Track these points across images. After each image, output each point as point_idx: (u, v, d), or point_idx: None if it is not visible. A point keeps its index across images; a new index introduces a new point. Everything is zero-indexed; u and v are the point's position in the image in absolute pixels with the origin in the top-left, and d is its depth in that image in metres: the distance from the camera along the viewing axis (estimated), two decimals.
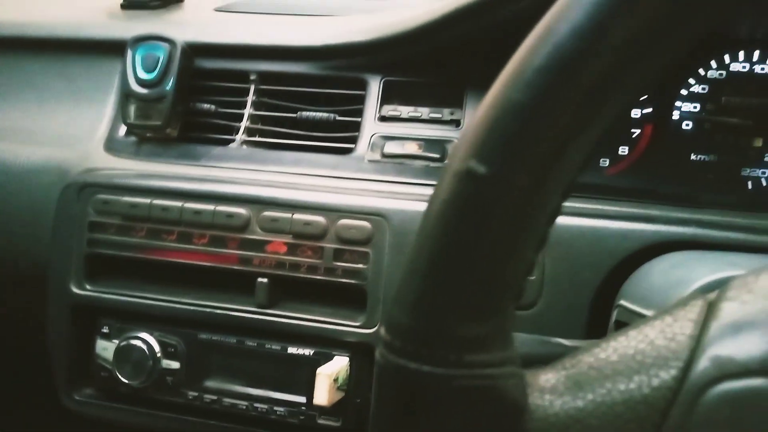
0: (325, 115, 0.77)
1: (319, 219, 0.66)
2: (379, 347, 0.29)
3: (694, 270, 0.49)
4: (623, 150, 0.74)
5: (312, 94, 0.78)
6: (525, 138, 0.25)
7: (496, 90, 0.27)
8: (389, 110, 0.76)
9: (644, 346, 0.29)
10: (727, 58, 0.73)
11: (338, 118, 0.77)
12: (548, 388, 0.29)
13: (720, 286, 0.30)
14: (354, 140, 0.75)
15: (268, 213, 0.67)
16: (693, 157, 0.73)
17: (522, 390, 0.28)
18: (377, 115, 0.76)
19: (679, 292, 0.47)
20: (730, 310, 0.28)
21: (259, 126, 0.79)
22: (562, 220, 0.62)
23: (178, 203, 0.68)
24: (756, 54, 0.72)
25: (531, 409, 0.28)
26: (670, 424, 0.27)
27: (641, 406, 0.27)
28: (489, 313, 0.27)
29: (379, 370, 0.28)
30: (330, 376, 0.59)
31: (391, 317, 0.28)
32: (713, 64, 0.73)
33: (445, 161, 0.71)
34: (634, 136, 0.74)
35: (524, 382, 0.29)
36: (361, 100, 0.77)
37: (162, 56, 0.76)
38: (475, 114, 0.27)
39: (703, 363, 0.27)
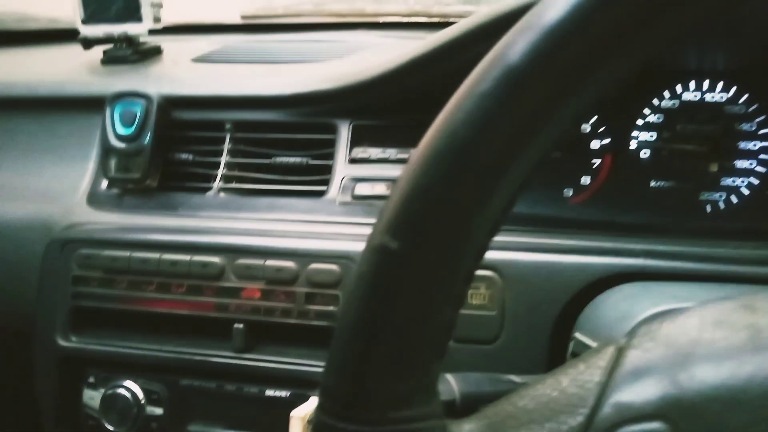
0: (299, 159, 0.80)
1: (291, 265, 0.68)
2: (315, 408, 0.31)
3: (639, 303, 0.51)
4: (585, 180, 0.77)
5: (285, 140, 0.82)
6: (429, 216, 0.28)
7: (406, 171, 0.29)
8: (359, 152, 0.79)
9: (557, 394, 0.31)
10: (679, 88, 0.76)
11: (311, 162, 0.80)
12: None
13: (660, 318, 0.32)
14: (326, 183, 0.78)
15: (241, 261, 0.69)
16: (653, 183, 0.76)
17: None
18: (347, 158, 0.79)
19: (624, 326, 0.50)
20: (633, 357, 0.31)
21: (236, 173, 0.82)
22: (521, 256, 0.65)
23: (156, 255, 0.71)
24: (705, 83, 0.75)
25: None
26: None
27: None
28: (410, 373, 0.30)
29: (314, 429, 0.31)
30: (303, 418, 0.61)
31: (323, 380, 0.31)
32: (666, 94, 0.76)
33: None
34: (594, 166, 0.77)
35: None
36: (332, 144, 0.80)
37: (139, 111, 0.80)
38: (391, 191, 0.30)
39: (606, 409, 0.29)
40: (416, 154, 0.29)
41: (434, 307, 0.30)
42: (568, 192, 0.77)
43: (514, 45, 0.27)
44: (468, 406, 0.45)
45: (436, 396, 0.32)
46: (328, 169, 0.79)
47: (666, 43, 0.28)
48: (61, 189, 0.82)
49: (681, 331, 0.31)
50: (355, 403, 0.29)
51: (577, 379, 0.31)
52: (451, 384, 0.45)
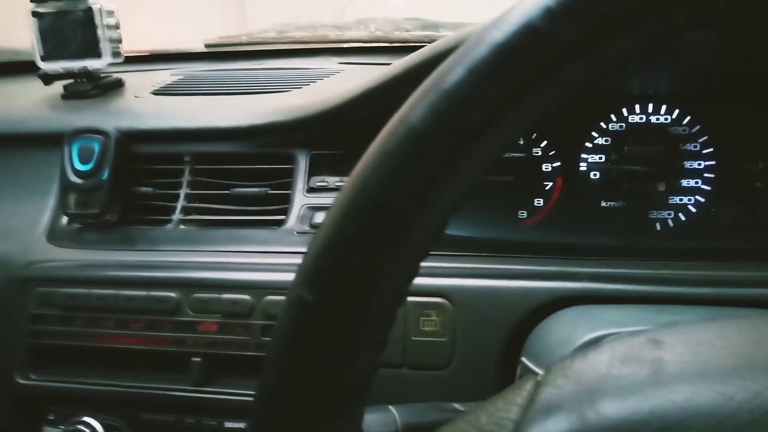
0: (257, 189, 0.81)
1: (246, 298, 0.69)
2: None
3: (577, 329, 0.52)
4: (538, 201, 0.79)
5: (244, 171, 0.83)
6: (341, 270, 0.29)
7: (321, 226, 0.31)
8: (317, 181, 0.80)
9: None
10: (625, 111, 0.78)
11: (270, 192, 0.81)
12: None
13: (572, 355, 0.34)
14: (285, 212, 0.79)
15: (197, 295, 0.70)
16: (603, 204, 0.78)
17: None
18: (305, 187, 0.80)
19: (564, 351, 0.51)
20: (545, 394, 0.32)
21: (196, 204, 0.83)
22: (470, 282, 0.66)
23: (113, 291, 0.72)
24: (650, 106, 0.77)
25: None
26: None
27: None
28: (331, 417, 0.31)
29: None
30: None
31: (249, 421, 0.32)
32: (613, 117, 0.78)
33: None
34: (547, 188, 0.79)
35: None
36: (290, 173, 0.81)
37: (97, 147, 0.80)
38: (307, 247, 0.31)
39: None
40: (331, 208, 0.30)
41: (353, 353, 0.31)
42: (522, 214, 0.79)
43: (416, 107, 0.29)
44: None
45: None
46: (286, 199, 0.80)
47: (559, 99, 0.29)
48: (20, 226, 0.83)
49: (591, 368, 0.33)
50: None
51: (494, 416, 0.33)
52: (394, 415, 0.47)
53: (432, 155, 0.29)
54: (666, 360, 0.32)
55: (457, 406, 0.50)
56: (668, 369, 0.31)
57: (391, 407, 0.47)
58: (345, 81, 0.91)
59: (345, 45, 1.20)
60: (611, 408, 0.30)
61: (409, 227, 0.30)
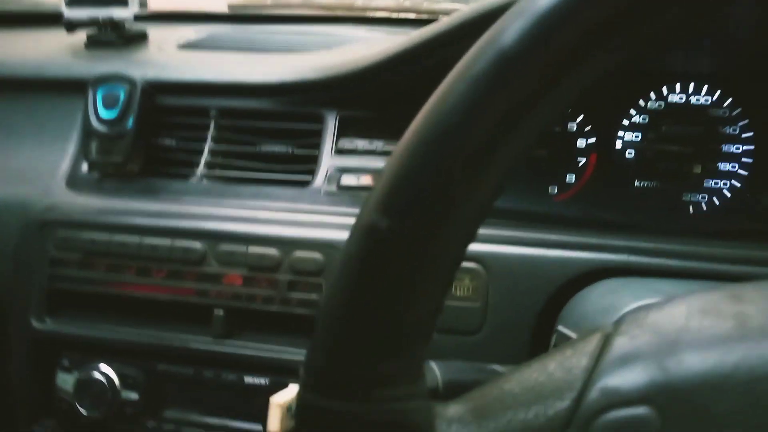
0: (284, 148, 0.80)
1: (273, 252, 0.68)
2: (299, 386, 0.31)
3: (622, 297, 0.51)
4: (570, 178, 0.77)
5: (271, 129, 0.81)
6: (418, 198, 0.28)
7: (396, 152, 0.29)
8: (345, 143, 0.79)
9: (543, 378, 0.31)
10: (665, 90, 0.76)
11: (296, 151, 0.80)
12: (456, 418, 0.31)
13: (646, 307, 0.33)
14: (311, 173, 0.77)
15: (223, 247, 0.69)
16: (637, 183, 0.77)
17: (430, 421, 0.30)
18: (334, 148, 0.78)
19: (606, 318, 0.50)
20: (620, 343, 0.31)
21: (220, 160, 0.81)
22: (505, 249, 0.65)
23: (136, 238, 0.70)
24: (691, 86, 0.76)
25: None
26: None
27: None
28: (395, 353, 0.30)
29: (297, 407, 0.30)
30: (282, 405, 0.60)
31: (308, 357, 0.30)
32: (652, 95, 0.77)
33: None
34: (580, 164, 0.77)
35: (433, 414, 0.31)
36: (318, 134, 0.79)
37: (122, 95, 0.78)
38: (381, 172, 0.30)
39: (593, 394, 0.29)
40: (409, 132, 0.29)
41: (422, 289, 0.29)
42: (553, 189, 0.77)
43: (508, 29, 0.27)
44: (451, 393, 0.44)
45: (421, 377, 0.32)
46: (313, 159, 0.78)
47: (655, 32, 0.28)
48: (41, 170, 0.81)
49: (668, 319, 0.31)
50: (339, 380, 0.29)
51: (564, 364, 0.31)
52: (435, 371, 0.45)
53: (525, 80, 0.27)
54: (749, 314, 0.31)
55: (496, 367, 0.49)
56: (753, 323, 0.30)
57: (431, 363, 0.46)
58: (376, 45, 0.89)
59: (371, 14, 1.18)
60: (693, 359, 0.29)
61: (494, 155, 0.28)
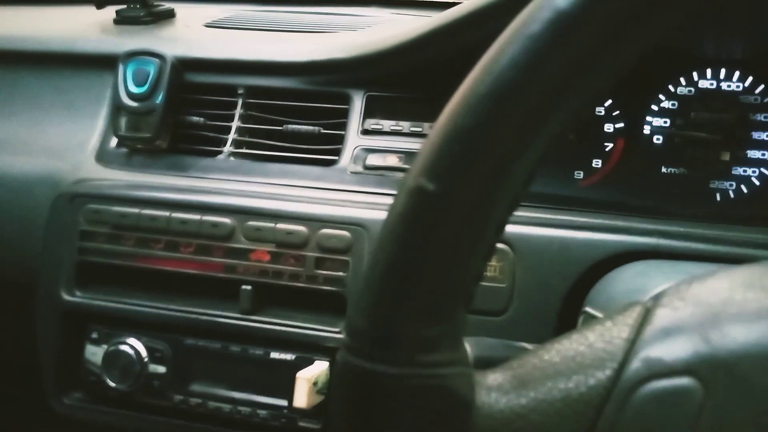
0: (310, 128, 0.80)
1: (301, 228, 0.68)
2: (340, 349, 0.31)
3: (653, 279, 0.51)
4: (597, 163, 0.77)
5: (298, 108, 0.81)
6: (469, 159, 0.28)
7: (445, 114, 0.29)
8: (372, 124, 0.79)
9: (584, 348, 0.31)
10: (695, 76, 0.76)
11: (323, 131, 0.80)
12: (495, 386, 0.31)
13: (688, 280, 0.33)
14: (337, 153, 0.78)
15: (252, 222, 0.69)
16: (663, 170, 0.76)
17: (470, 388, 0.31)
18: (360, 129, 0.78)
19: (637, 299, 0.50)
20: (662, 315, 0.31)
21: (247, 138, 0.82)
22: (533, 230, 0.65)
23: (165, 213, 0.71)
24: (722, 72, 0.75)
25: (478, 406, 0.30)
26: (604, 419, 0.29)
27: (578, 403, 0.30)
28: (438, 317, 0.30)
29: (338, 369, 0.31)
30: (309, 379, 0.61)
31: (350, 321, 0.31)
32: (682, 81, 0.76)
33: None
34: (607, 149, 0.77)
35: (473, 381, 0.31)
36: (345, 114, 0.79)
37: (152, 71, 0.79)
38: (429, 134, 0.30)
39: (635, 364, 0.29)
40: (458, 94, 0.29)
41: (466, 253, 0.30)
42: (579, 174, 0.77)
43: None
44: (481, 368, 0.45)
45: (462, 344, 0.32)
46: (340, 139, 0.78)
47: None
48: (70, 145, 0.82)
49: (711, 292, 0.31)
50: (383, 343, 0.29)
51: (604, 335, 0.31)
52: (466, 346, 0.45)
53: (582, 40, 0.27)
54: None
55: (526, 345, 0.49)
56: None
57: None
58: (402, 26, 0.89)
59: None
60: (738, 331, 0.29)
61: (546, 119, 0.28)
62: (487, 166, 0.28)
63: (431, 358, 0.30)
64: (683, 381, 0.28)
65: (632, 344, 0.30)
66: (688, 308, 0.31)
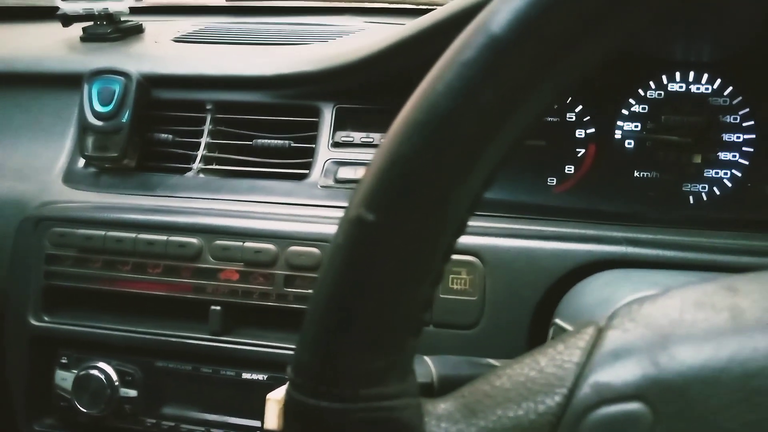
0: (280, 142, 0.79)
1: (270, 247, 0.67)
2: (287, 385, 0.30)
3: (619, 289, 0.51)
4: (569, 169, 0.76)
5: (267, 122, 0.80)
6: (407, 188, 0.27)
7: (384, 142, 0.29)
8: (342, 136, 0.78)
9: (534, 374, 0.30)
10: (664, 79, 0.75)
11: (293, 144, 0.79)
12: (445, 416, 0.30)
13: (640, 300, 0.32)
14: (308, 166, 0.77)
15: (219, 242, 0.68)
16: (636, 174, 0.76)
17: (419, 419, 0.30)
18: (330, 142, 0.78)
19: (604, 311, 0.49)
20: (612, 338, 0.30)
21: (216, 154, 0.81)
22: (502, 242, 0.64)
23: (132, 234, 0.70)
24: (691, 75, 0.75)
25: None
26: None
27: (528, 431, 0.29)
28: (384, 349, 0.29)
29: (285, 406, 0.30)
30: (279, 401, 0.60)
31: (295, 356, 0.30)
32: (652, 84, 0.76)
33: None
34: (579, 155, 0.77)
35: (421, 412, 0.30)
36: (315, 127, 0.79)
37: (118, 89, 0.78)
38: (369, 163, 0.29)
39: (584, 389, 0.29)
40: (396, 123, 0.28)
41: (411, 283, 0.29)
42: (552, 180, 0.77)
43: (498, 14, 0.27)
44: (445, 388, 0.44)
45: (411, 374, 0.31)
46: (310, 153, 0.78)
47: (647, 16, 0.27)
48: (37, 166, 0.81)
49: (661, 312, 0.31)
50: (326, 379, 0.29)
51: (555, 358, 0.31)
52: (429, 366, 0.45)
53: (517, 65, 0.27)
54: (744, 307, 0.30)
55: (492, 361, 0.48)
56: (747, 316, 0.30)
57: (426, 358, 0.45)
58: (372, 36, 0.89)
59: (369, 5, 1.17)
60: (687, 353, 0.28)
61: (485, 145, 0.28)
62: (427, 194, 0.27)
63: (377, 391, 0.29)
64: (632, 406, 0.28)
65: (582, 368, 0.30)
66: (638, 330, 0.30)
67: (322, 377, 0.29)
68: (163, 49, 0.89)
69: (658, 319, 0.30)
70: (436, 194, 0.28)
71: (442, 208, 0.28)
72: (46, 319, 0.74)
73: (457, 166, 0.28)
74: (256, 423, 0.69)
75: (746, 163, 0.74)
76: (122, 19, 0.96)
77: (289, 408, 0.30)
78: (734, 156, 0.74)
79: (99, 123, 0.78)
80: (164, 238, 0.69)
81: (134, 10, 0.95)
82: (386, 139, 0.28)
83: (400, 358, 0.30)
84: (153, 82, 0.81)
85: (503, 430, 0.29)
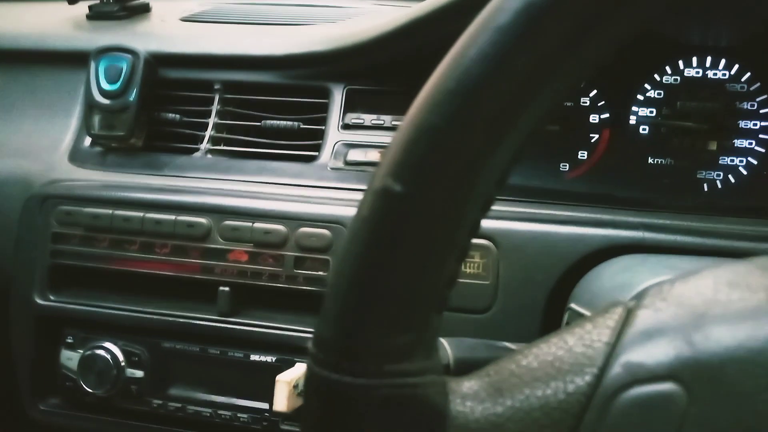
0: (289, 123, 0.78)
1: (280, 228, 0.67)
2: (307, 360, 0.29)
3: (638, 274, 0.50)
4: (582, 154, 0.75)
5: (276, 103, 0.79)
6: (436, 158, 0.26)
7: (412, 110, 0.28)
8: (352, 118, 0.77)
9: (563, 353, 0.30)
10: (681, 64, 0.74)
11: (302, 126, 0.78)
12: (470, 394, 0.30)
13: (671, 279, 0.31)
14: (317, 148, 0.76)
15: (228, 222, 0.67)
16: (650, 160, 0.75)
17: (444, 397, 0.29)
18: (340, 123, 0.77)
19: (622, 296, 0.48)
20: (644, 317, 0.29)
21: (224, 135, 0.80)
22: (516, 225, 0.63)
23: (139, 213, 0.69)
24: (708, 60, 0.74)
25: (452, 416, 0.29)
26: (584, 427, 0.28)
27: (557, 411, 0.28)
28: (409, 325, 0.28)
29: (306, 382, 0.29)
30: (289, 383, 0.59)
31: (316, 331, 0.29)
32: (668, 69, 0.75)
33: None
34: (592, 140, 0.75)
35: (446, 390, 0.29)
36: (325, 108, 0.78)
37: (125, 67, 0.77)
38: (396, 132, 0.28)
39: (615, 369, 0.28)
40: (424, 91, 0.27)
41: (437, 257, 0.28)
42: (565, 166, 0.76)
43: None
44: (462, 371, 0.43)
45: (435, 351, 0.30)
46: (320, 134, 0.77)
47: None
48: (42, 145, 0.80)
49: (695, 292, 0.30)
50: (350, 354, 0.28)
51: (584, 338, 0.30)
52: (445, 348, 0.44)
53: (554, 31, 0.26)
54: None
55: (508, 344, 0.47)
56: None
57: (442, 339, 0.45)
58: (382, 17, 0.87)
59: None
60: (723, 333, 0.28)
61: (518, 114, 0.27)
62: (456, 165, 0.27)
63: (402, 367, 0.28)
64: (666, 387, 0.27)
65: (613, 348, 0.29)
66: (671, 309, 0.29)
67: (346, 352, 0.28)
68: (171, 28, 0.88)
69: (692, 298, 0.29)
70: (465, 165, 0.27)
71: (472, 180, 0.27)
72: (51, 298, 0.73)
73: (488, 136, 0.27)
74: (264, 405, 0.68)
75: (762, 150, 0.73)
76: None
77: (309, 384, 0.29)
78: (750, 143, 0.73)
79: (106, 101, 0.76)
80: (172, 217, 0.68)
81: None
82: (414, 107, 0.27)
83: (425, 334, 0.29)
84: (160, 60, 0.80)
85: (531, 409, 0.29)
